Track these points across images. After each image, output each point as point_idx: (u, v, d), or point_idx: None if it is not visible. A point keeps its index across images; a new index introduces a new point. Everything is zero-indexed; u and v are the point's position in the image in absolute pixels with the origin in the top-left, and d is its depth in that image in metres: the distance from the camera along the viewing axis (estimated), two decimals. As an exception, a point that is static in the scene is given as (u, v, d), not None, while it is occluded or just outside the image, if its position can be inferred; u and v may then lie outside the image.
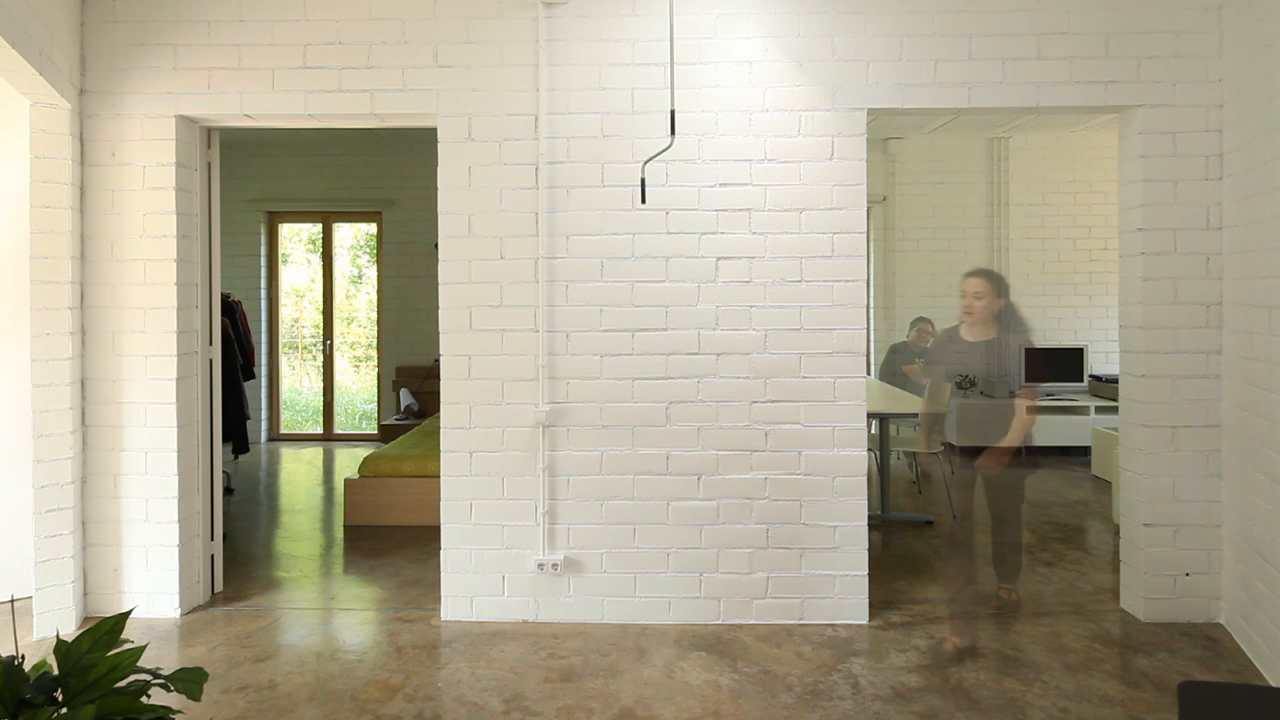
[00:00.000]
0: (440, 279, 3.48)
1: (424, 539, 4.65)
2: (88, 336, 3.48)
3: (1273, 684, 2.90)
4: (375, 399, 8.24)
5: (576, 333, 3.46)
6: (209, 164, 3.74)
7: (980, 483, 3.44)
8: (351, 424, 8.53)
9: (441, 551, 3.50)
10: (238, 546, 4.54)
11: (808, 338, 3.44)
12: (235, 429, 5.61)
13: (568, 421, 3.47)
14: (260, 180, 7.96)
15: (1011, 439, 3.25)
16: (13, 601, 1.89)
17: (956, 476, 3.62)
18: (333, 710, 2.74)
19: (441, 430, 3.50)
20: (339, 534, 4.81)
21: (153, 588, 3.50)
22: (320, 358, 8.28)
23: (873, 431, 5.93)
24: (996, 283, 3.32)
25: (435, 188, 3.69)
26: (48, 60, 3.15)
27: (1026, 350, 3.47)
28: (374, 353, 8.42)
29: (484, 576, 3.49)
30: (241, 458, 7.04)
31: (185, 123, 3.54)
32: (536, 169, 3.46)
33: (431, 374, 7.77)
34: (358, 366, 8.81)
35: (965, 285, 3.32)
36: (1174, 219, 3.41)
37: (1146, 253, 3.41)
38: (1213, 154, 3.39)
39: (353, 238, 8.67)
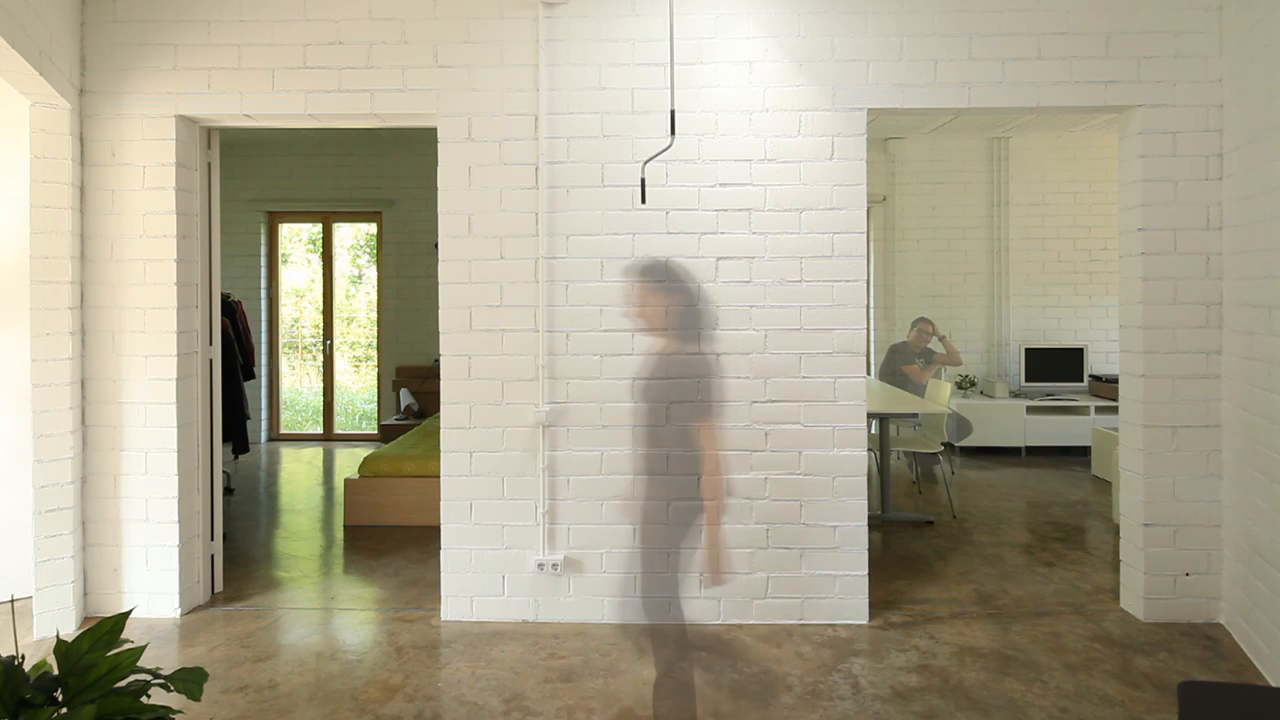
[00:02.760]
0: (440, 279, 3.48)
1: (424, 539, 4.65)
2: (88, 336, 3.48)
3: (1273, 684, 2.90)
4: (375, 399, 8.24)
5: (576, 333, 3.46)
6: (209, 164, 3.74)
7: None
8: (351, 424, 8.53)
9: (441, 551, 3.50)
10: (238, 546, 4.54)
11: (808, 338, 3.43)
12: (235, 429, 5.61)
13: (568, 421, 3.47)
14: (260, 180, 7.96)
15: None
16: (13, 601, 1.89)
17: None
18: (333, 710, 2.74)
19: (441, 430, 3.50)
20: (339, 534, 4.81)
21: (153, 588, 3.50)
22: (320, 358, 8.28)
23: (873, 431, 5.93)
24: (652, 273, 2.36)
25: (435, 188, 3.69)
26: (48, 60, 3.14)
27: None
28: (374, 353, 8.42)
29: (484, 576, 3.49)
30: (241, 458, 7.03)
31: (185, 123, 3.54)
32: (536, 169, 3.45)
33: (431, 374, 7.77)
34: (358, 366, 8.81)
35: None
36: (1174, 219, 3.40)
37: (1146, 253, 3.41)
38: (1213, 154, 3.39)
39: (353, 238, 8.67)
